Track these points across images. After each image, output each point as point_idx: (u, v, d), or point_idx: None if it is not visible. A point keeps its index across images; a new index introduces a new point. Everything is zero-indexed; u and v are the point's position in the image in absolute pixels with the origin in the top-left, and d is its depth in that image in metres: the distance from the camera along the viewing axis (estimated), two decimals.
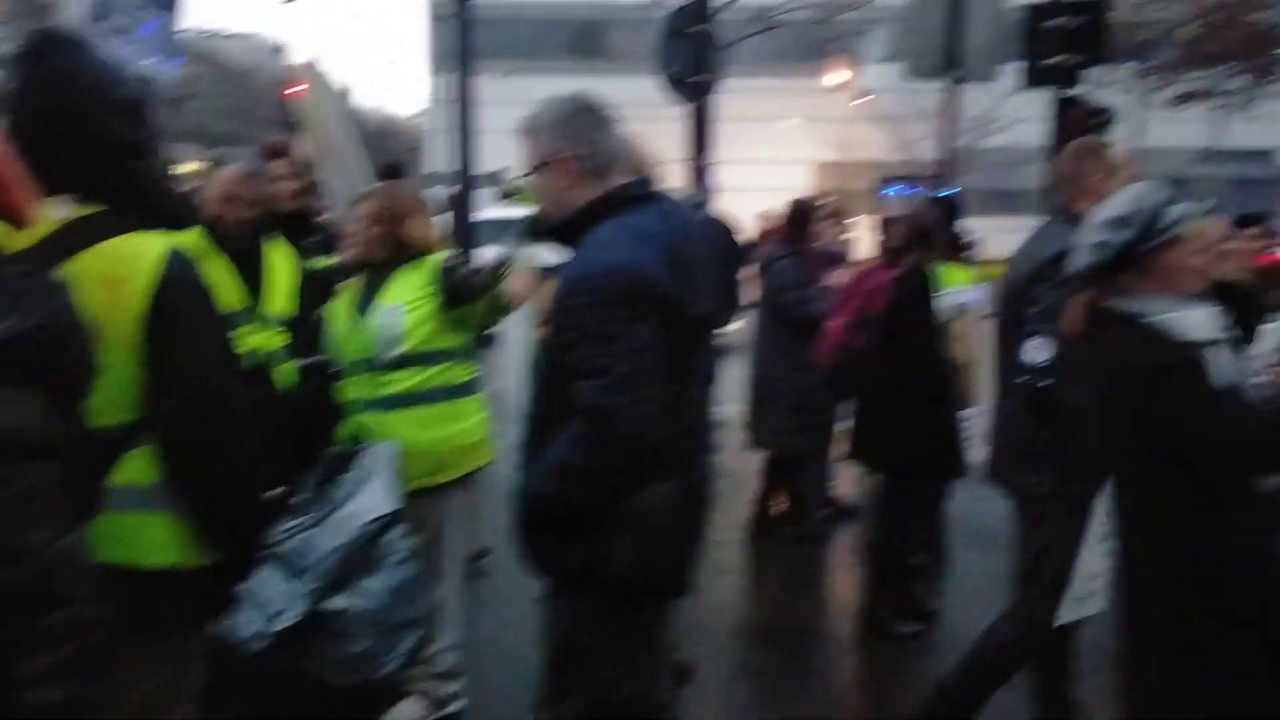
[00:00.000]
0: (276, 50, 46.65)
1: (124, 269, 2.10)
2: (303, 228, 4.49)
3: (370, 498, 2.39)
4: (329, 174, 5.23)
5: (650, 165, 4.34)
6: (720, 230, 7.50)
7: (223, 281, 3.64)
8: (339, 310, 3.90)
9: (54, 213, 2.09)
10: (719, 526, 6.42)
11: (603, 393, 2.31)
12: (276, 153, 4.74)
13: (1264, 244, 5.43)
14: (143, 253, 2.13)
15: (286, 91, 11.73)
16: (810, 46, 28.92)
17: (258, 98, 38.94)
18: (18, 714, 1.42)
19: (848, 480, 7.00)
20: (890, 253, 4.91)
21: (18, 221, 1.70)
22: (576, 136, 2.52)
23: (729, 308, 7.24)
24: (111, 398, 2.08)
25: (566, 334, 2.40)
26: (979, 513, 5.28)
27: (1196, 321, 2.60)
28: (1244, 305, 3.24)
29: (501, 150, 9.64)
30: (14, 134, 1.97)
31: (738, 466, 7.64)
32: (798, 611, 5.39)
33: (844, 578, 5.84)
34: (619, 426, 2.31)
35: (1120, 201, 2.69)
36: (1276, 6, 29.21)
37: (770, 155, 36.56)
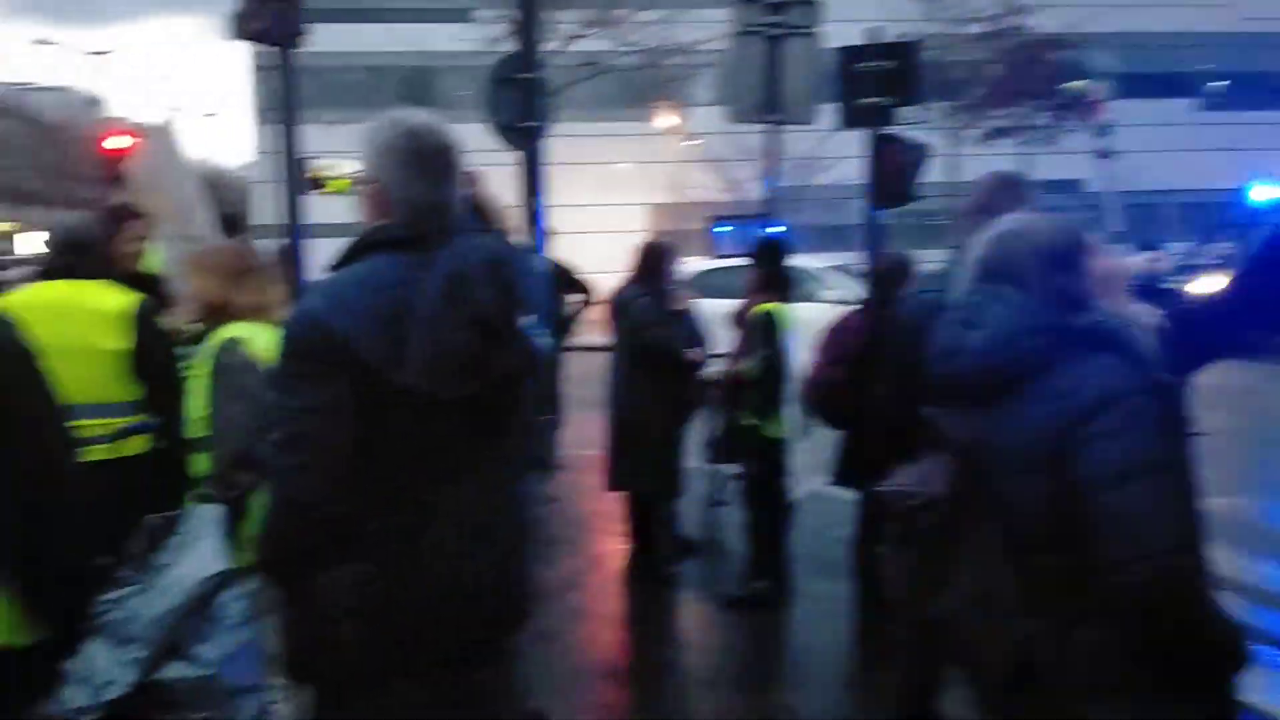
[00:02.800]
0: (91, 103, 44.74)
1: None
2: (144, 289, 4.34)
3: (198, 560, 2.32)
4: (170, 234, 5.11)
5: (494, 214, 4.34)
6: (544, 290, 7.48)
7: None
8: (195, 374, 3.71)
9: None
10: (572, 569, 6.44)
11: (274, 451, 2.10)
12: (127, 215, 4.71)
13: None
14: None
15: (108, 148, 11.27)
16: (640, 91, 29.39)
17: (69, 153, 37.16)
18: None
19: (694, 518, 7.10)
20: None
21: None
22: (381, 166, 2.21)
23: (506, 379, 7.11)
24: None
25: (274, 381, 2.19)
26: None
27: None
28: None
29: (328, 202, 9.51)
30: None
31: (589, 508, 7.67)
32: (651, 650, 5.41)
33: (696, 614, 5.90)
34: (281, 490, 2.10)
35: None
36: (1074, 47, 31.22)
37: (604, 199, 36.95)
